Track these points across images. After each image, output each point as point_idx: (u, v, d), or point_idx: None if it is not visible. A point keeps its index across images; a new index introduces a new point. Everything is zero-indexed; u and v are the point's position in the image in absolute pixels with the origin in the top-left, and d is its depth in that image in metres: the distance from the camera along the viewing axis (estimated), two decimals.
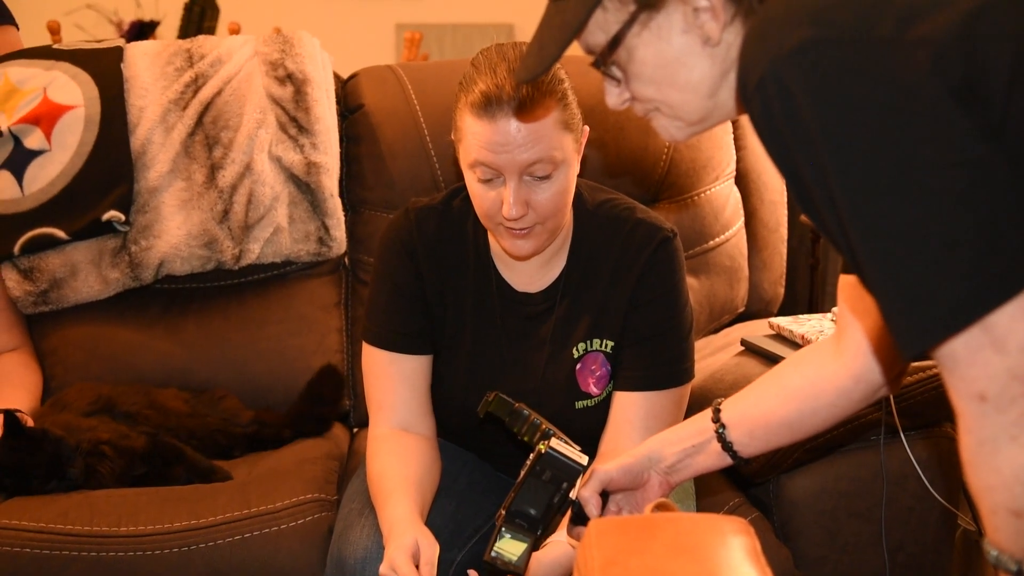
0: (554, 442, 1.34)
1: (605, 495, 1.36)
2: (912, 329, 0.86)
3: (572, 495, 1.34)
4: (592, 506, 1.34)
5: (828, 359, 1.26)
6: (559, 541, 1.48)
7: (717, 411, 1.34)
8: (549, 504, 1.34)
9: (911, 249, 0.84)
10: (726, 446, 1.32)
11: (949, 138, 0.83)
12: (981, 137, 0.83)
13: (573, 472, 1.33)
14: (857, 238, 0.87)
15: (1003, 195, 0.83)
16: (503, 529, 1.33)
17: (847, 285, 1.22)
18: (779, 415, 1.30)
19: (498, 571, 1.34)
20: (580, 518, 1.35)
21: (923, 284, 0.85)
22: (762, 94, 0.90)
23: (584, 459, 1.34)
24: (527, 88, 1.48)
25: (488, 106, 1.48)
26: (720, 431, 1.32)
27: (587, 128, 1.61)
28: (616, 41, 1.06)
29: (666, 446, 1.36)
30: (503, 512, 1.33)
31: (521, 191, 1.52)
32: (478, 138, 1.50)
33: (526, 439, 1.37)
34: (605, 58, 1.08)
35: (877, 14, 0.86)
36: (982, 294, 0.83)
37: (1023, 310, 0.83)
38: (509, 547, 1.33)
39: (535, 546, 1.35)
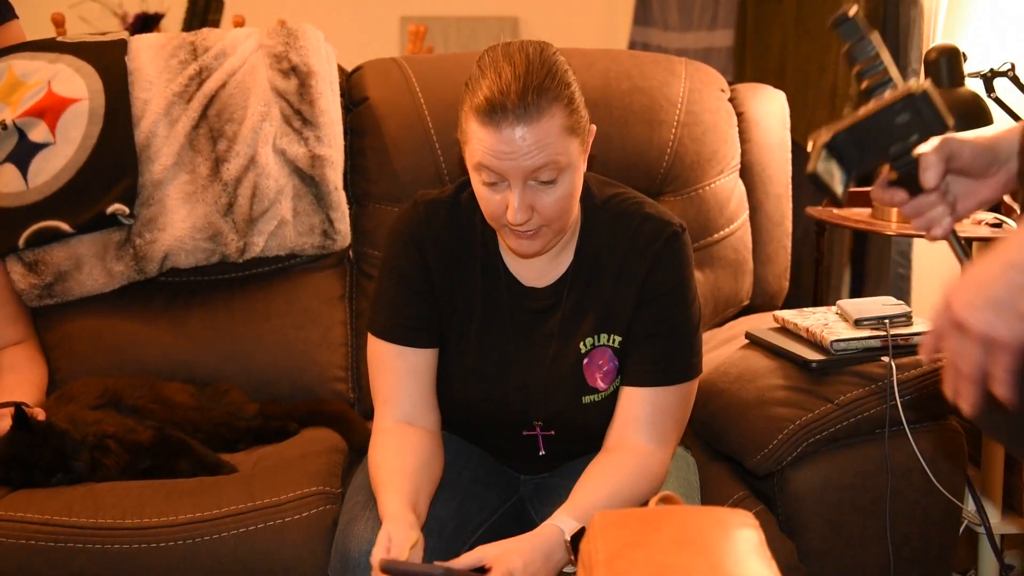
0: (931, 86, 1.17)
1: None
2: None
3: (915, 152, 1.19)
4: (933, 172, 1.19)
5: None
6: (551, 524, 1.49)
7: None
8: (884, 149, 1.18)
9: None
10: None
11: None
12: None
13: (937, 128, 1.17)
14: None
15: None
16: (823, 151, 1.19)
17: None
18: None
19: (823, 186, 1.20)
20: (907, 181, 1.21)
21: None
22: None
23: (952, 120, 1.18)
24: (532, 95, 1.47)
25: (493, 113, 1.47)
26: None
27: (594, 127, 1.60)
28: None
29: None
30: (828, 136, 1.20)
31: (526, 196, 1.51)
32: (483, 144, 1.49)
33: (858, 76, 1.22)
34: None
35: None
36: None
37: None
38: (829, 170, 1.19)
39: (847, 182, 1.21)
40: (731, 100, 2.41)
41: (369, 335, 1.70)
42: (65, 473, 1.85)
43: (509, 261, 1.69)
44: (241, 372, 2.22)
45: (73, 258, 2.20)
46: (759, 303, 2.40)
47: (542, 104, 1.48)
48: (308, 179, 2.24)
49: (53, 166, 2.20)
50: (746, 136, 2.40)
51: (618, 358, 1.65)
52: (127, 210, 2.18)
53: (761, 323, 2.12)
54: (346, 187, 2.33)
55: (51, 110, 2.20)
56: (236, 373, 2.22)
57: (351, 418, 2.17)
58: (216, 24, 3.94)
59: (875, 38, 1.21)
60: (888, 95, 1.19)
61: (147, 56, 2.28)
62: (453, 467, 1.70)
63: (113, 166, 2.20)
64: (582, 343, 1.65)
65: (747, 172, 2.39)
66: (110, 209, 2.17)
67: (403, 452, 1.60)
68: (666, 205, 2.24)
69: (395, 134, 2.29)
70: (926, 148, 1.20)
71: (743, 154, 2.39)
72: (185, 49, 2.29)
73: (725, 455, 1.96)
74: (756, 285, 2.39)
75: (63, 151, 2.20)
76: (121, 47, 2.29)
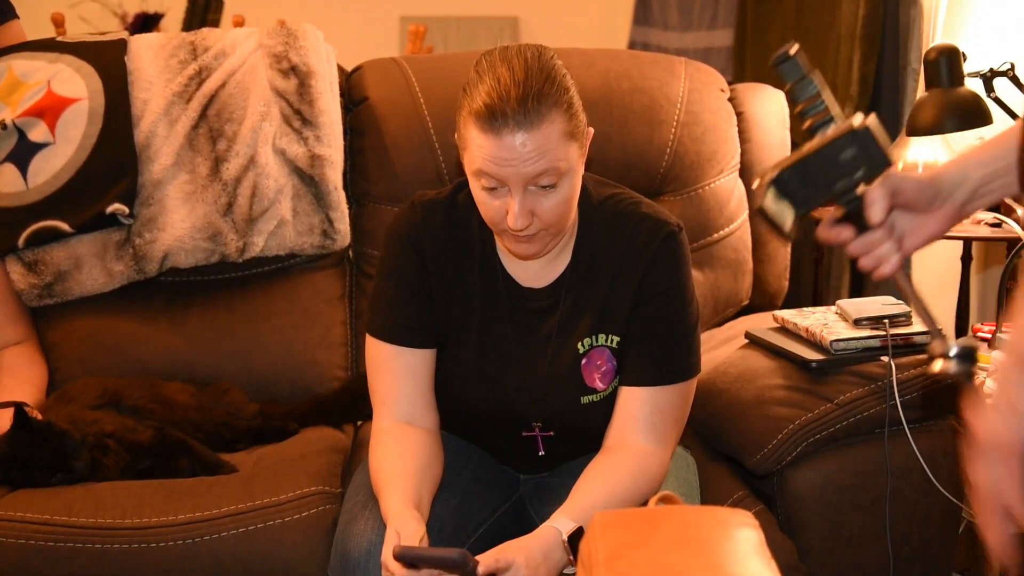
0: (873, 122, 1.17)
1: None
2: None
3: (859, 190, 1.19)
4: (879, 207, 1.19)
5: None
6: (548, 526, 1.49)
7: None
8: (830, 186, 1.18)
9: None
10: None
11: None
12: None
13: (880, 164, 1.17)
14: None
15: None
16: (770, 188, 1.19)
17: None
18: None
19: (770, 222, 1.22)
20: (853, 218, 1.21)
21: None
22: None
23: (895, 156, 1.18)
24: (532, 101, 1.46)
25: (493, 120, 1.47)
26: None
27: (591, 130, 1.60)
28: None
29: (973, 168, 1.22)
30: (774, 173, 1.19)
31: (526, 202, 1.51)
32: (483, 150, 1.49)
33: (800, 115, 1.22)
34: None
35: None
36: None
37: None
38: (775, 207, 1.20)
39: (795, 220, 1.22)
40: (731, 100, 2.41)
41: (368, 335, 1.70)
42: (65, 473, 1.85)
43: (507, 262, 1.69)
44: (241, 372, 2.22)
45: (73, 258, 2.20)
46: (759, 303, 2.40)
47: (542, 110, 1.47)
48: (308, 179, 2.24)
49: (53, 166, 2.20)
50: (746, 136, 2.40)
51: (616, 358, 1.65)
52: (127, 210, 2.18)
53: (761, 323, 2.12)
54: (346, 187, 2.33)
55: (51, 110, 2.20)
56: (236, 373, 2.22)
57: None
58: (216, 24, 3.95)
59: (816, 77, 1.21)
60: (832, 131, 1.20)
61: (147, 56, 2.28)
62: (453, 467, 1.70)
63: (113, 166, 2.20)
64: (580, 343, 1.65)
65: (747, 172, 2.39)
66: (110, 209, 2.17)
67: (404, 453, 1.60)
68: (666, 205, 2.24)
69: (395, 134, 2.29)
70: (871, 186, 1.21)
71: (743, 154, 2.39)
72: (185, 49, 2.29)
73: (725, 455, 1.96)
74: (756, 285, 2.39)
75: (63, 151, 2.20)
76: (121, 47, 2.29)
